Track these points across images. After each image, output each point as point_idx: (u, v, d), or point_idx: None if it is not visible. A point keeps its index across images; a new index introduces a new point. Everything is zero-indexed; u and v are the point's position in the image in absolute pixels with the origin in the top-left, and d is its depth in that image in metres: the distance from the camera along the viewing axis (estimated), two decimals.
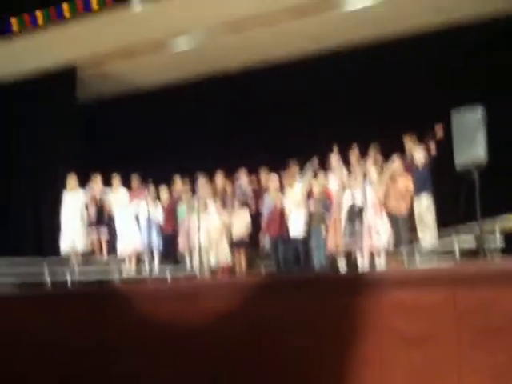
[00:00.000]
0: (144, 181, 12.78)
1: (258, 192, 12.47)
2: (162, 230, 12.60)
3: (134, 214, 12.74)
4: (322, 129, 13.24)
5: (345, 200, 11.02)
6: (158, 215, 12.61)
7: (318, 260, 11.07)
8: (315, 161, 11.67)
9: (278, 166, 12.23)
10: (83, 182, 13.20)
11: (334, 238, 10.94)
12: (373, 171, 10.98)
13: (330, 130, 12.99)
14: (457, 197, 9.29)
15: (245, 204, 12.11)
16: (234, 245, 11.83)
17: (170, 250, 12.49)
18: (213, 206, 12.12)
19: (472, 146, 9.26)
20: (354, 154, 11.51)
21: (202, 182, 12.32)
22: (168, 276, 12.23)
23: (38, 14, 13.16)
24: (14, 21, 13.36)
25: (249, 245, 11.89)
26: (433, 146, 10.83)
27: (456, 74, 12.28)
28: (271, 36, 13.26)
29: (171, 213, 12.58)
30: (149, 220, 12.36)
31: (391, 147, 11.29)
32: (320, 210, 11.21)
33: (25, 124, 14.85)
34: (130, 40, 13.54)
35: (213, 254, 11.77)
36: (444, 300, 7.31)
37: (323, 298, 8.00)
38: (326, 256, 10.94)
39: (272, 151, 13.41)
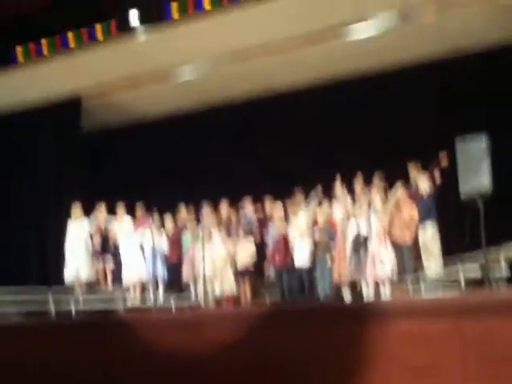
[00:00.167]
0: (148, 210, 12.82)
1: (263, 221, 12.48)
2: (166, 259, 12.62)
3: (139, 242, 12.76)
4: (326, 157, 13.30)
5: (350, 229, 11.04)
6: (163, 244, 12.61)
7: (322, 289, 11.07)
8: (319, 189, 11.69)
9: (282, 195, 12.26)
10: (88, 211, 13.22)
11: (339, 268, 10.95)
12: (377, 200, 10.99)
13: (335, 158, 13.06)
14: (462, 225, 9.28)
15: (249, 233, 12.12)
16: (239, 274, 11.84)
17: (175, 279, 12.49)
18: (217, 235, 12.13)
19: (476, 174, 9.27)
20: (358, 183, 11.54)
21: (206, 211, 12.34)
22: (172, 305, 12.24)
23: (44, 42, 13.23)
24: (19, 50, 13.43)
25: (253, 274, 11.89)
26: (437, 174, 10.84)
27: (460, 101, 12.31)
28: (275, 65, 13.31)
29: (176, 242, 12.60)
30: (153, 249, 12.36)
31: (396, 175, 11.33)
32: (325, 239, 11.22)
33: (30, 153, 14.88)
34: (134, 70, 13.63)
35: (217, 283, 11.76)
36: (449, 330, 7.27)
37: (328, 327, 7.95)
38: (330, 286, 10.94)
39: (277, 180, 13.44)
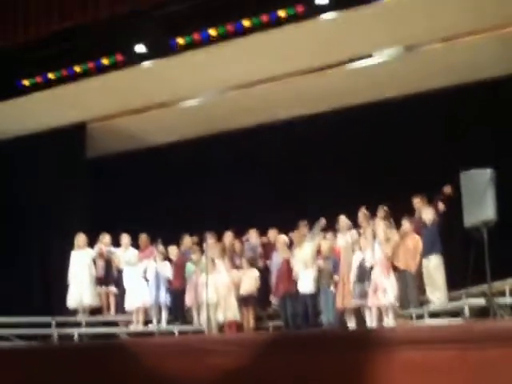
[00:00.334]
0: (153, 238, 12.82)
1: (267, 251, 12.48)
2: (170, 286, 12.59)
3: (143, 271, 12.75)
4: (330, 188, 13.29)
5: (354, 260, 11.05)
6: (167, 271, 12.60)
7: (326, 317, 11.06)
8: (323, 221, 11.71)
9: (287, 227, 12.26)
10: (91, 240, 13.23)
11: (343, 296, 10.94)
12: (381, 232, 10.99)
13: (339, 189, 13.05)
14: (466, 258, 9.25)
15: (253, 262, 12.11)
16: (242, 300, 11.82)
17: (178, 306, 12.46)
18: (221, 265, 12.13)
19: (481, 206, 9.28)
20: (362, 214, 11.54)
21: (210, 241, 12.34)
22: (175, 332, 12.21)
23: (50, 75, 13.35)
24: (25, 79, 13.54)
25: (257, 300, 11.86)
26: (442, 205, 10.85)
27: (466, 132, 12.33)
28: (280, 95, 13.36)
29: (180, 269, 12.57)
30: (157, 276, 12.36)
31: (400, 207, 11.34)
32: (329, 269, 11.23)
33: (33, 179, 14.90)
34: (139, 98, 13.67)
35: (221, 310, 11.74)
36: (453, 358, 7.21)
37: (331, 355, 7.90)
38: (334, 314, 10.93)
39: (281, 211, 13.43)
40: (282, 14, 11.38)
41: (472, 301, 9.75)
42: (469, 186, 9.52)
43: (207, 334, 11.29)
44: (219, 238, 12.67)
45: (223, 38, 11.86)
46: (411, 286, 10.59)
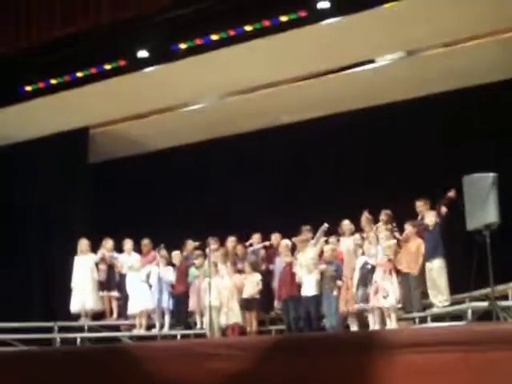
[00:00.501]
0: (155, 245, 12.83)
1: (270, 255, 12.49)
2: (173, 290, 12.60)
3: (145, 276, 12.76)
4: (333, 192, 13.30)
5: (357, 264, 11.06)
6: (170, 276, 12.61)
7: (329, 323, 11.05)
8: (325, 226, 11.72)
9: (289, 231, 12.26)
10: (94, 245, 13.25)
11: (346, 299, 10.95)
12: (384, 236, 10.99)
13: (342, 193, 13.07)
14: (469, 261, 9.26)
15: (256, 266, 12.12)
16: (245, 304, 11.82)
17: (181, 310, 12.47)
18: (224, 269, 12.14)
19: (484, 210, 9.28)
20: (365, 218, 11.55)
21: (213, 246, 12.36)
22: (178, 336, 12.22)
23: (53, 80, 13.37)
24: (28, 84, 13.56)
25: (259, 304, 11.85)
26: (444, 210, 10.85)
27: (467, 135, 12.32)
28: (282, 100, 13.44)
29: (183, 273, 12.59)
30: (159, 280, 12.38)
31: (402, 211, 11.36)
32: (331, 273, 11.22)
33: (36, 184, 14.91)
34: (142, 102, 13.71)
35: (223, 314, 11.74)
36: (456, 361, 7.18)
37: (333, 357, 7.84)
38: (337, 317, 10.93)
39: (283, 215, 13.44)
40: (284, 19, 11.39)
41: (475, 304, 9.76)
42: (471, 190, 9.53)
43: (210, 338, 11.31)
44: (222, 243, 12.69)
45: (225, 43, 11.87)
46: (414, 289, 10.60)
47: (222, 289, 11.82)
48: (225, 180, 14.82)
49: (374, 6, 10.82)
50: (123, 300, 12.95)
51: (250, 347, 8.63)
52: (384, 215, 11.36)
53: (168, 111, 14.21)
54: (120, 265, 13.02)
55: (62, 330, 12.81)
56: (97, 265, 13.12)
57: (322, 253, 11.59)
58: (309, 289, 11.27)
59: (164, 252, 12.68)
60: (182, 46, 12.14)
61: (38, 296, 14.53)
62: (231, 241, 12.76)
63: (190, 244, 12.98)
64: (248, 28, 11.63)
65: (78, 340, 12.58)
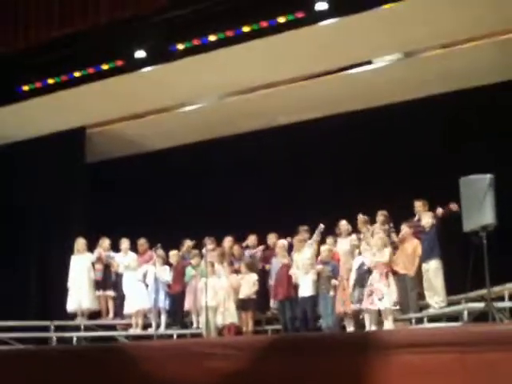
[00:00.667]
0: (152, 244, 12.84)
1: (267, 255, 12.50)
2: (169, 290, 12.61)
3: (142, 275, 12.78)
4: (330, 193, 13.34)
5: (354, 265, 11.06)
6: (166, 275, 12.61)
7: (325, 324, 11.06)
8: (321, 226, 11.73)
9: (286, 231, 12.28)
10: (91, 244, 13.25)
11: (342, 303, 10.94)
12: (380, 236, 10.99)
13: (339, 194, 13.09)
14: (466, 262, 9.27)
15: (252, 266, 12.11)
16: (241, 304, 11.82)
17: (177, 310, 12.48)
18: (221, 269, 12.15)
19: (480, 211, 9.28)
20: (361, 220, 11.57)
21: (210, 246, 12.38)
22: (174, 335, 12.22)
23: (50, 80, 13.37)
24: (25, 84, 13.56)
25: (256, 303, 11.86)
26: (440, 211, 10.86)
27: (465, 137, 12.35)
28: (280, 101, 13.45)
29: (180, 272, 12.60)
30: (156, 280, 12.39)
31: (399, 212, 11.37)
32: (328, 274, 11.23)
33: (33, 184, 14.93)
34: (139, 102, 13.71)
35: (219, 313, 11.76)
36: (452, 362, 7.19)
37: (329, 358, 7.85)
38: (333, 318, 10.93)
39: (280, 216, 13.46)
40: (281, 20, 11.38)
41: (471, 305, 9.77)
42: (468, 192, 9.53)
43: (206, 338, 11.31)
44: (219, 243, 12.70)
45: (223, 44, 11.85)
46: (410, 290, 10.61)
47: (219, 289, 11.84)
48: (222, 180, 14.83)
49: (371, 8, 10.81)
50: (119, 299, 12.96)
51: (246, 347, 8.64)
52: (381, 216, 11.38)
53: (165, 111, 14.22)
54: (116, 264, 13.03)
55: (58, 329, 12.82)
56: (93, 264, 13.12)
57: (318, 253, 11.61)
58: (305, 289, 11.28)
59: (161, 252, 12.69)
60: (180, 46, 12.12)
61: (35, 295, 14.53)
62: (228, 241, 12.78)
63: (187, 244, 12.99)
64: (246, 29, 11.61)
65: (74, 339, 12.60)
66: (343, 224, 11.83)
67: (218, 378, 8.44)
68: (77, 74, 13.02)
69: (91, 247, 13.26)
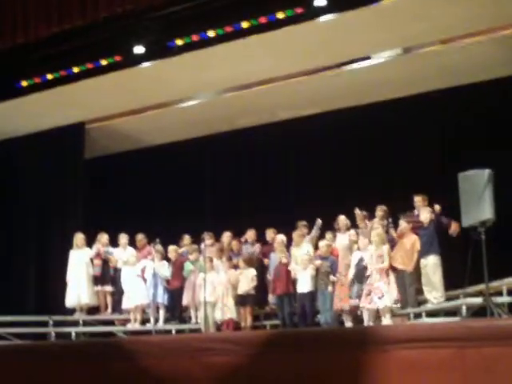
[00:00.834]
0: (151, 237, 12.85)
1: (265, 251, 12.50)
2: (168, 285, 12.62)
3: (141, 270, 12.78)
4: (329, 188, 13.35)
5: (353, 260, 11.07)
6: (165, 270, 12.62)
7: (324, 319, 11.07)
8: (319, 222, 11.75)
9: (285, 227, 12.28)
10: (89, 239, 13.26)
11: (340, 299, 10.95)
12: (378, 233, 10.98)
13: (338, 189, 13.12)
14: (464, 257, 9.28)
15: (251, 262, 12.11)
16: (240, 299, 11.83)
17: (176, 305, 12.49)
18: (219, 265, 12.15)
19: (479, 207, 9.29)
20: (360, 215, 11.57)
21: (208, 241, 12.38)
22: (173, 330, 12.23)
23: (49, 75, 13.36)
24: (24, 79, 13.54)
25: (255, 298, 11.87)
26: (438, 208, 10.86)
27: (462, 134, 12.37)
28: (279, 96, 13.43)
29: (179, 267, 12.61)
30: (155, 275, 12.40)
31: (399, 208, 11.38)
32: (326, 269, 11.24)
33: (31, 179, 14.97)
34: (138, 98, 13.71)
35: (218, 308, 11.77)
36: (451, 357, 7.19)
37: (328, 353, 7.84)
38: (331, 313, 10.94)
39: (279, 211, 13.48)
40: (280, 15, 11.37)
41: (469, 300, 9.77)
42: (467, 187, 9.53)
43: (204, 333, 11.32)
44: (217, 238, 12.70)
45: (222, 39, 11.85)
46: (409, 285, 10.61)
47: (217, 284, 11.85)
48: (221, 176, 14.86)
49: (370, 3, 10.80)
50: (118, 295, 12.97)
51: (244, 342, 8.64)
52: (380, 211, 11.39)
53: (164, 107, 14.18)
54: (115, 259, 13.03)
55: (56, 324, 12.82)
56: (92, 259, 13.12)
57: (317, 248, 11.63)
58: (304, 285, 11.28)
59: (159, 247, 12.69)
60: (179, 41, 12.11)
61: (34, 290, 14.53)
62: (226, 236, 12.78)
63: (186, 239, 13.01)
64: (245, 24, 11.60)
65: (73, 334, 12.61)
66: (342, 219, 11.83)
67: (217, 373, 8.44)
68: (76, 70, 13.02)
69: (90, 242, 13.26)
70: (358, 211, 11.56)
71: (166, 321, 12.53)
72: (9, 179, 14.97)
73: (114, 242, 13.31)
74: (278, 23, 11.43)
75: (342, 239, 11.61)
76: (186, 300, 12.31)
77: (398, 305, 10.55)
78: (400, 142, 12.96)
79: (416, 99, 12.89)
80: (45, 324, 12.79)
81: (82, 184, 14.97)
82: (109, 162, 15.73)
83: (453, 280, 10.43)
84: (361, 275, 10.89)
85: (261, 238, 12.76)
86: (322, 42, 11.75)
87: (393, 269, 10.73)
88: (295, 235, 11.90)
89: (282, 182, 14.14)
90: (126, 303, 12.67)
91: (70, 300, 12.91)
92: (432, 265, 10.49)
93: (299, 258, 11.49)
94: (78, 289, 12.86)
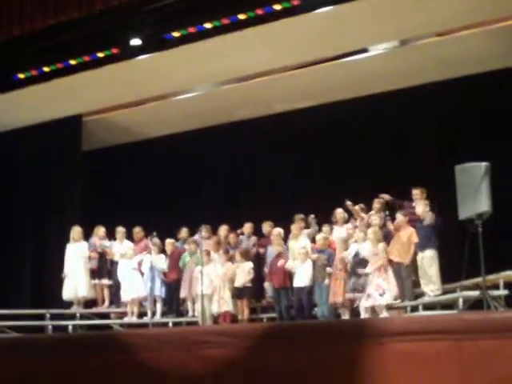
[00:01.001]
0: (148, 231, 12.85)
1: (263, 244, 12.49)
2: (165, 277, 12.62)
3: (138, 263, 12.78)
4: (327, 181, 13.36)
5: (349, 253, 11.05)
6: (162, 263, 12.62)
7: (321, 312, 11.07)
8: (311, 217, 11.79)
9: (283, 220, 12.27)
10: (86, 232, 13.25)
11: (334, 294, 10.94)
12: (375, 230, 10.96)
13: (336, 182, 13.11)
14: (461, 250, 9.26)
15: (248, 255, 12.10)
16: (237, 292, 11.82)
17: (173, 298, 12.49)
18: (216, 258, 12.15)
19: (476, 199, 9.27)
20: (358, 208, 11.56)
21: (206, 234, 12.39)
22: (170, 323, 12.24)
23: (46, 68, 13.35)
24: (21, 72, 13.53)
25: (252, 291, 11.86)
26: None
27: (459, 126, 12.37)
28: (276, 89, 13.42)
29: (176, 260, 12.60)
30: (152, 268, 12.40)
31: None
32: (323, 261, 11.22)
33: (29, 171, 14.98)
34: (135, 90, 13.68)
35: (215, 301, 11.77)
36: (447, 349, 7.21)
37: (324, 346, 7.88)
38: (328, 306, 10.94)
39: (277, 204, 13.49)
40: (277, 7, 11.36)
41: (466, 293, 9.77)
42: (464, 180, 9.49)
43: (201, 326, 11.33)
44: (214, 231, 12.69)
45: (218, 31, 11.83)
46: (405, 278, 10.60)
47: (214, 277, 11.84)
48: (218, 168, 14.86)
49: None
50: (115, 288, 12.97)
51: (241, 334, 8.66)
52: (377, 203, 11.39)
53: (161, 99, 14.18)
54: (112, 252, 13.02)
55: (53, 317, 12.82)
56: (89, 255, 13.12)
57: (314, 241, 11.62)
58: (301, 279, 11.26)
59: (156, 240, 12.68)
60: (175, 34, 12.11)
61: (31, 283, 14.54)
62: (223, 229, 12.77)
63: (184, 232, 13.00)
64: (241, 16, 11.60)
65: (70, 327, 12.60)
66: (339, 212, 11.81)
67: (214, 366, 8.47)
68: (72, 62, 13.02)
69: (87, 236, 13.25)
70: (348, 203, 11.55)
71: (163, 314, 12.53)
72: (6, 172, 14.96)
73: (111, 235, 13.29)
74: (275, 15, 11.42)
75: (339, 232, 11.60)
76: (183, 293, 12.31)
77: (398, 301, 10.54)
78: (397, 134, 12.95)
79: (413, 91, 12.88)
80: (42, 317, 12.79)
81: (79, 176, 14.93)
82: (106, 155, 15.72)
83: (449, 273, 10.42)
84: (357, 268, 10.87)
85: (258, 232, 12.74)
86: (319, 34, 11.74)
87: (389, 261, 10.71)
88: (294, 228, 11.89)
89: (280, 175, 14.13)
90: (123, 296, 12.67)
91: (68, 293, 12.91)
92: (428, 258, 10.47)
93: (296, 250, 11.48)
94: (75, 282, 12.86)
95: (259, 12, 11.49)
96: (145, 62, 12.56)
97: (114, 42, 12.52)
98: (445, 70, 12.43)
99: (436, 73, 12.58)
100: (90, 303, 13.15)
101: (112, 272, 13.02)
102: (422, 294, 10.58)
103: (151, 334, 10.24)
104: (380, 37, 12.09)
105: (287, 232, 12.02)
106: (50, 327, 12.64)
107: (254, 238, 12.57)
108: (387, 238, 11.00)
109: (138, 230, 13.22)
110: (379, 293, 10.48)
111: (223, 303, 11.74)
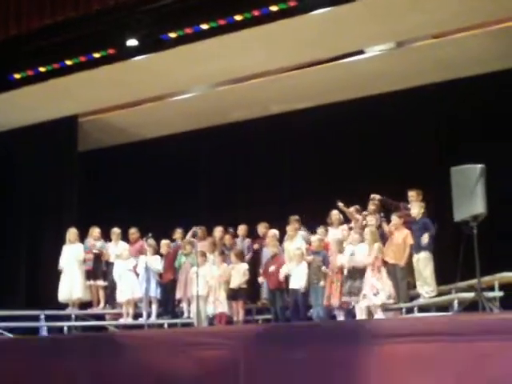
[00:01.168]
0: (144, 234, 12.82)
1: (257, 243, 12.47)
2: (161, 278, 12.60)
3: (133, 265, 12.76)
4: (323, 182, 13.35)
5: (345, 255, 11.03)
6: (157, 264, 12.60)
7: (316, 314, 11.05)
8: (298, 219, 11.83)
9: (279, 221, 12.26)
10: (82, 233, 13.23)
11: (333, 295, 10.92)
12: (371, 231, 10.94)
13: (332, 184, 13.10)
14: (456, 252, 9.26)
15: (243, 256, 12.08)
16: (232, 293, 11.77)
17: (169, 299, 12.47)
18: (211, 259, 12.14)
19: (471, 201, 9.26)
20: (352, 210, 11.55)
21: (201, 235, 12.38)
22: (165, 324, 12.22)
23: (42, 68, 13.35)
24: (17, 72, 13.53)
25: (247, 292, 11.84)
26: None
27: (456, 128, 12.37)
28: (273, 90, 13.46)
29: (171, 261, 12.58)
30: (147, 269, 12.39)
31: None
32: (318, 264, 11.20)
33: (24, 172, 14.99)
34: (131, 91, 13.69)
35: (210, 302, 11.75)
36: (442, 351, 7.22)
37: (320, 347, 7.90)
38: (324, 308, 10.92)
39: (272, 205, 13.49)
40: (274, 8, 11.37)
41: (461, 295, 9.76)
42: (459, 181, 9.48)
43: (197, 327, 11.31)
44: (210, 233, 12.68)
45: (215, 32, 11.84)
46: (400, 280, 10.58)
47: (210, 278, 11.82)
48: (215, 169, 14.85)
49: None
50: (110, 289, 12.95)
51: (236, 336, 8.67)
52: (372, 205, 11.37)
53: (158, 100, 14.22)
54: (107, 253, 13.01)
55: (48, 318, 12.80)
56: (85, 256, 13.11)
57: (309, 243, 11.60)
58: (296, 281, 11.23)
59: (151, 241, 12.67)
60: (172, 34, 12.13)
61: (26, 284, 14.52)
62: (218, 231, 12.75)
63: (179, 233, 12.99)
64: (238, 17, 11.61)
65: (65, 329, 12.59)
66: (335, 214, 11.79)
67: (209, 367, 8.48)
68: (69, 63, 13.04)
69: (83, 237, 13.23)
70: (340, 204, 11.54)
71: (159, 315, 12.51)
72: (1, 172, 14.94)
73: (107, 236, 13.28)
74: (272, 16, 11.43)
75: (335, 234, 11.58)
76: (178, 294, 12.29)
77: (391, 301, 10.52)
78: (395, 135, 12.96)
79: (411, 93, 12.90)
80: (37, 318, 12.76)
81: (75, 177, 14.94)
82: (102, 156, 15.71)
83: (445, 275, 10.41)
84: (352, 271, 10.85)
85: (254, 233, 12.72)
86: (316, 35, 11.75)
87: (384, 263, 10.70)
88: (289, 229, 11.87)
89: (277, 176, 14.14)
90: (119, 297, 12.66)
91: (63, 294, 12.89)
92: (423, 259, 10.45)
93: (291, 251, 11.47)
94: (71, 283, 12.84)
95: (256, 13, 11.50)
96: (141, 63, 12.57)
97: (110, 43, 12.53)
98: (443, 71, 12.46)
99: (434, 74, 12.61)
100: (85, 304, 13.12)
101: (107, 273, 13.00)
102: (417, 296, 10.58)
103: (146, 335, 10.26)
104: (377, 38, 12.11)
105: (284, 233, 12.00)
106: (44, 328, 12.63)
107: (248, 241, 12.55)
108: (382, 239, 10.96)
109: (133, 231, 13.20)
110: (373, 292, 10.48)
111: (218, 304, 11.72)
